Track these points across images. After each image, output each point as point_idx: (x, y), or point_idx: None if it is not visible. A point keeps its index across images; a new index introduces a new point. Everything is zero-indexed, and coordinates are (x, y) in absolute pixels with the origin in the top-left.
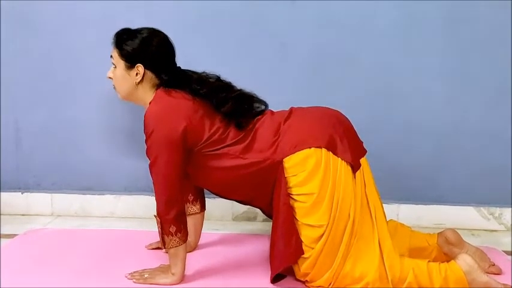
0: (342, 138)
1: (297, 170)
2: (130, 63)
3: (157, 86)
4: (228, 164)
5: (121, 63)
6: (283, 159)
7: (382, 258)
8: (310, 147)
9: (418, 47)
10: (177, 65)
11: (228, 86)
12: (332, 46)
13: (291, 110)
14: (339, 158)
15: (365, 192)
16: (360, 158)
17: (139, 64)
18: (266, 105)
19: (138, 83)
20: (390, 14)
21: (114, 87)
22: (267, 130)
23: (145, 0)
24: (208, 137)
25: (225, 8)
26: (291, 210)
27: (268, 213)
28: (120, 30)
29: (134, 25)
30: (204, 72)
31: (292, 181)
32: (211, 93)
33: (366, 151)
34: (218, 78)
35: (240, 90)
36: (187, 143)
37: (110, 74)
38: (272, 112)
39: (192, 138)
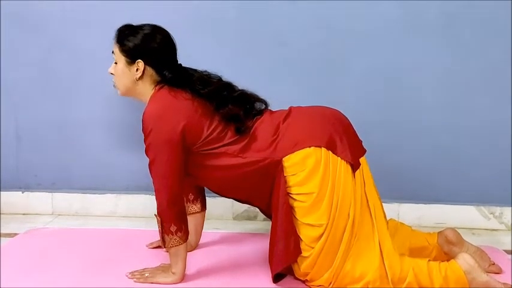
0: (342, 138)
1: (297, 170)
2: (130, 59)
3: (157, 83)
4: (227, 163)
5: (122, 59)
6: (283, 158)
7: (382, 257)
8: (309, 147)
9: (418, 47)
10: (179, 63)
11: (229, 87)
12: (332, 46)
13: (290, 110)
14: (339, 158)
15: (364, 191)
16: (360, 157)
17: (139, 60)
18: (267, 104)
19: (138, 78)
20: (391, 14)
21: (114, 84)
22: (266, 129)
23: (145, 0)
24: (207, 136)
25: (225, 8)
26: (290, 209)
27: (267, 213)
28: (122, 25)
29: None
30: (205, 71)
31: (292, 180)
32: (213, 94)
33: (366, 150)
34: (220, 79)
35: (242, 90)
36: (186, 142)
37: (111, 69)
38: (271, 111)
39: (190, 137)
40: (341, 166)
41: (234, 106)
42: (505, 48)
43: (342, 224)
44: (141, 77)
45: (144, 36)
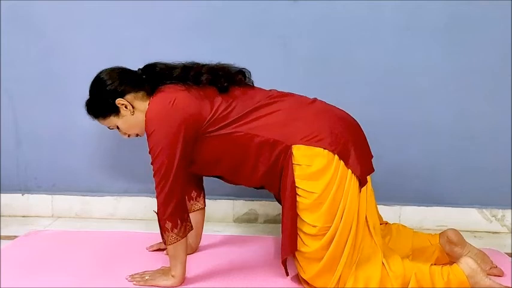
0: (356, 150)
1: (302, 161)
2: (114, 110)
3: (146, 96)
4: (235, 143)
5: (112, 119)
6: (293, 146)
7: (386, 269)
8: (324, 148)
9: (419, 47)
10: (138, 69)
11: (196, 63)
12: (334, 46)
13: (315, 100)
14: (349, 170)
15: (366, 210)
16: (368, 175)
17: (116, 100)
18: (244, 72)
19: (133, 111)
20: (392, 14)
21: (137, 136)
22: (280, 110)
23: (146, 1)
24: (211, 116)
25: (227, 8)
26: (295, 199)
27: (280, 199)
28: (85, 104)
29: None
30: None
31: (296, 170)
32: (184, 73)
33: (374, 170)
34: (182, 63)
35: (207, 64)
36: (191, 130)
37: (123, 136)
38: (292, 94)
39: (195, 125)
40: (350, 178)
41: (209, 74)
42: (505, 48)
43: (345, 235)
44: (133, 108)
45: (104, 86)
